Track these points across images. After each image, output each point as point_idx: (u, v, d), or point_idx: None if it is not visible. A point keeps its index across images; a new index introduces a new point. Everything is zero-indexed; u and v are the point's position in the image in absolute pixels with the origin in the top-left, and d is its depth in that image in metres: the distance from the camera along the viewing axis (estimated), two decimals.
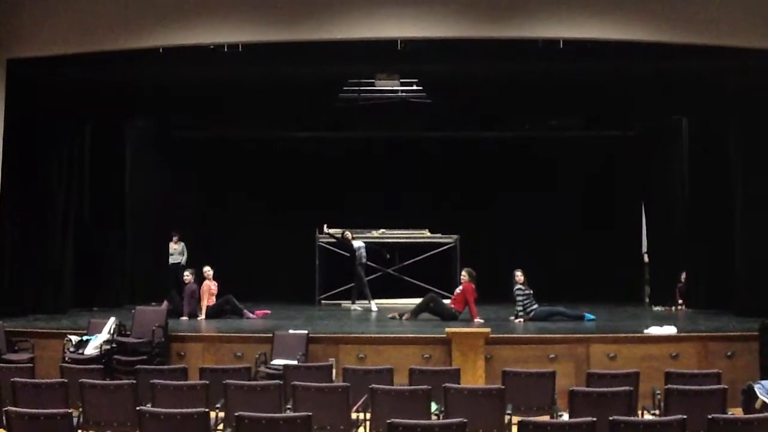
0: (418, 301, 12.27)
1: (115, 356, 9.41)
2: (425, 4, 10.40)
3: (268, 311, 12.33)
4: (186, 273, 12.47)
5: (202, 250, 15.08)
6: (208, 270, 12.38)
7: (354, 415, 6.83)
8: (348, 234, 13.83)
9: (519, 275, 11.69)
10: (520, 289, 11.60)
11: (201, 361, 9.17)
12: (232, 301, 12.21)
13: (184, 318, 11.80)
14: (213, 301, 12.19)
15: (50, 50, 10.82)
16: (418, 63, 11.58)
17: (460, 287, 11.70)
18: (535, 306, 11.54)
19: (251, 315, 12.05)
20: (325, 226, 14.07)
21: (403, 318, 11.80)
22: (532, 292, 11.65)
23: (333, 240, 14.26)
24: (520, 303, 11.56)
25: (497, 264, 15.00)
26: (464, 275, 11.73)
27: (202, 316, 11.95)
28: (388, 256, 14.45)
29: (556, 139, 16.06)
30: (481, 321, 11.13)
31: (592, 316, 11.40)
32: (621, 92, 11.90)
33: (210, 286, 12.24)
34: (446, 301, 12.13)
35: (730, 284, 12.09)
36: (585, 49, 10.60)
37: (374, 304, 13.52)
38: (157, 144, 15.72)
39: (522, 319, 11.38)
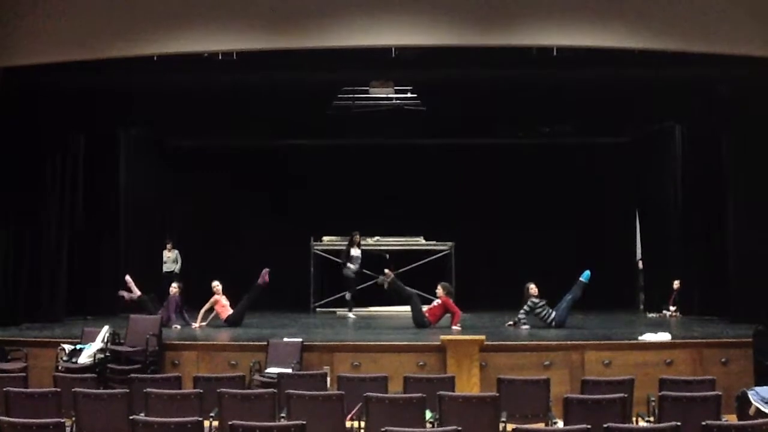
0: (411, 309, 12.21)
1: (109, 365, 9.38)
2: (419, 11, 10.42)
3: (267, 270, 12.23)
4: (173, 285, 12.42)
5: (196, 257, 15.06)
6: (217, 285, 12.19)
7: (348, 424, 6.83)
8: (357, 237, 13.81)
9: (533, 288, 11.57)
10: (533, 302, 11.46)
11: (195, 370, 9.14)
12: (246, 303, 12.13)
13: (176, 326, 11.74)
14: (228, 311, 12.05)
15: (44, 58, 10.79)
16: (413, 70, 11.61)
17: (438, 301, 11.72)
18: (553, 313, 11.41)
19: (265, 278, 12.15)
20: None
21: (382, 278, 12.01)
22: (545, 301, 11.53)
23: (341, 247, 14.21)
24: (526, 313, 11.37)
25: (492, 270, 15.03)
26: (440, 290, 11.76)
27: (197, 324, 11.91)
28: (387, 256, 14.47)
29: (550, 146, 16.09)
30: (458, 328, 11.15)
31: (587, 274, 11.51)
32: (614, 99, 11.94)
33: (220, 300, 12.11)
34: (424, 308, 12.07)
35: (724, 291, 12.12)
36: (578, 57, 10.64)
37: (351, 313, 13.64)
38: (152, 151, 15.71)
39: (516, 324, 11.32)
